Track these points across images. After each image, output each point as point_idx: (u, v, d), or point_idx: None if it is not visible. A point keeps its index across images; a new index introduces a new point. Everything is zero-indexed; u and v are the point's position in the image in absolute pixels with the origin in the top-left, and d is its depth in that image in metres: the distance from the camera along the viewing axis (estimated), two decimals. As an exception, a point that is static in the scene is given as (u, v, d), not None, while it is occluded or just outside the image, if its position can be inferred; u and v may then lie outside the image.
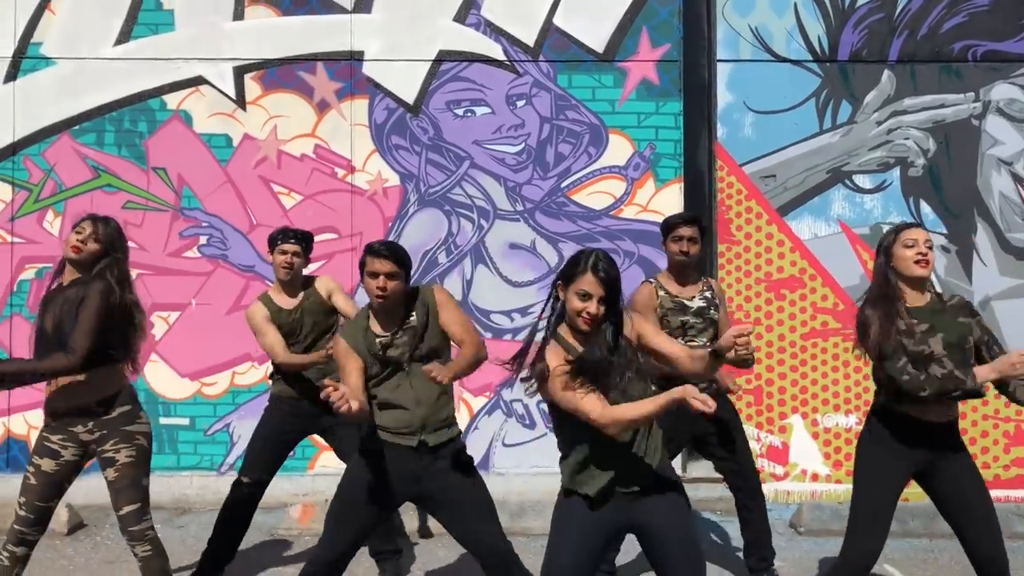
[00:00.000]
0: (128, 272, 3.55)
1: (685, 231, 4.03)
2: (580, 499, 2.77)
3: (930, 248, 3.20)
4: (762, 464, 5.85)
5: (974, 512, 3.15)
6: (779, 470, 5.85)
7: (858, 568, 3.21)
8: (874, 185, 5.94)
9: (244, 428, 5.66)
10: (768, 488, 5.82)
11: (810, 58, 5.93)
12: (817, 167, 5.93)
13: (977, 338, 3.20)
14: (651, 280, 4.16)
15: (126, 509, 3.42)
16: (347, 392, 2.80)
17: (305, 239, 4.24)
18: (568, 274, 2.73)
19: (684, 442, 4.18)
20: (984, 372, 3.06)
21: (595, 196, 5.92)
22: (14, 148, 5.85)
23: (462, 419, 5.84)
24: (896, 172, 5.93)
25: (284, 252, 4.16)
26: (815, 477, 5.83)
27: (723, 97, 5.94)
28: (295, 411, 4.18)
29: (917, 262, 3.17)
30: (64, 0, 5.86)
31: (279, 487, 5.55)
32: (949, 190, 5.91)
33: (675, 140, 5.92)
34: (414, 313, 3.24)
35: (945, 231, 5.91)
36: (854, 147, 5.94)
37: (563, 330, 2.78)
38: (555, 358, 2.69)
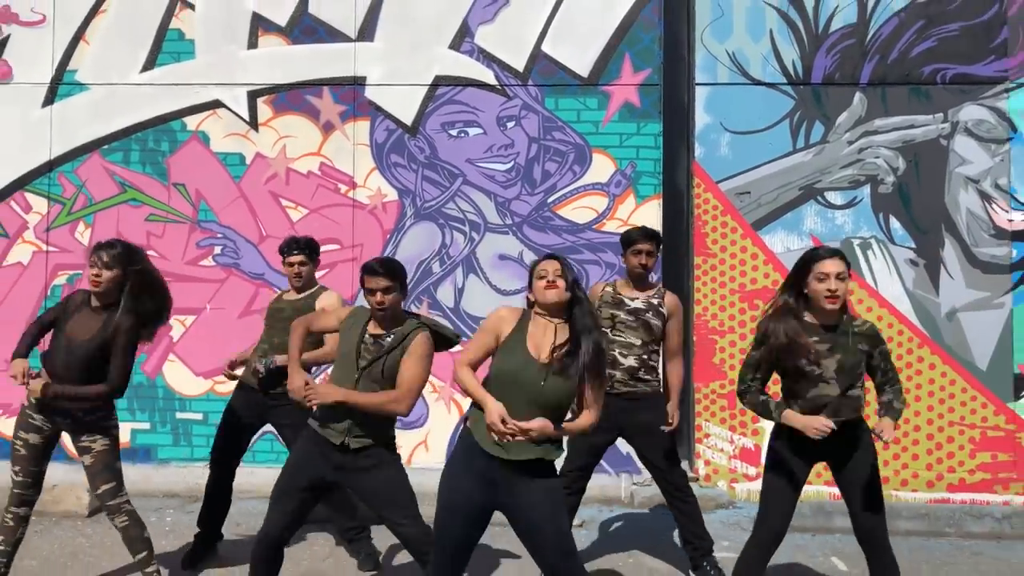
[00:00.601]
0: (149, 281, 3.96)
1: (644, 246, 4.38)
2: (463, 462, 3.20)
3: (842, 280, 3.46)
4: (735, 465, 6.19)
5: (862, 496, 3.56)
6: (751, 471, 6.17)
7: (765, 544, 3.61)
8: (845, 201, 6.25)
9: (252, 423, 6.15)
10: (741, 488, 6.18)
11: (784, 81, 6.28)
12: (790, 184, 6.27)
13: (875, 363, 3.56)
14: (607, 281, 4.65)
15: (103, 488, 3.94)
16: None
17: (308, 246, 4.66)
18: (529, 275, 3.32)
19: (610, 438, 4.39)
20: (791, 419, 3.48)
21: (579, 211, 6.32)
22: (50, 165, 6.46)
23: (452, 418, 6.28)
24: (867, 189, 6.23)
25: (291, 264, 4.60)
26: (785, 478, 6.12)
27: (701, 118, 6.31)
28: (248, 400, 4.57)
29: (827, 298, 3.46)
30: (97, 31, 6.47)
31: (282, 478, 6.07)
32: (918, 206, 6.20)
33: (655, 159, 6.31)
34: (393, 335, 3.52)
35: (914, 245, 6.19)
36: (826, 165, 6.26)
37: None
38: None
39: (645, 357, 4.33)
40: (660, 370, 4.48)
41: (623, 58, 6.31)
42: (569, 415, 3.25)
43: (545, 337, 3.19)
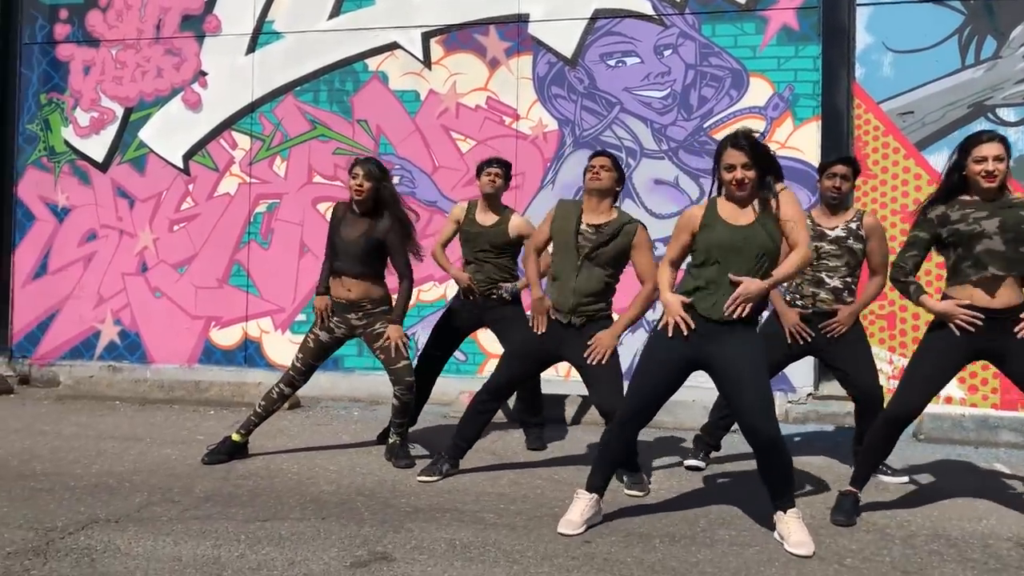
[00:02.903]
0: (396, 196, 4.74)
1: (838, 169, 4.39)
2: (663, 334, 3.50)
3: (1000, 160, 3.54)
4: (894, 385, 6.13)
5: None
6: (911, 392, 6.11)
7: (897, 419, 3.69)
8: (1020, 118, 6.04)
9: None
10: (900, 409, 6.13)
11: (953, -4, 6.13)
12: (958, 102, 6.12)
13: None
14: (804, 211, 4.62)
15: (401, 364, 4.63)
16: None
17: (504, 165, 5.14)
18: (716, 161, 3.51)
19: (799, 354, 4.48)
20: (929, 304, 3.65)
21: (735, 135, 6.44)
22: (252, 107, 7.28)
23: (609, 335, 6.59)
24: (1043, 104, 6.00)
25: (488, 174, 5.08)
26: (948, 400, 6.04)
27: (862, 39, 6.27)
28: (467, 305, 5.11)
29: (984, 177, 3.56)
30: (290, -15, 7.22)
31: (453, 385, 6.61)
32: (1102, 121, 5.91)
33: (813, 81, 6.33)
34: (608, 224, 4.11)
35: (1097, 161, 5.91)
36: (998, 81, 6.07)
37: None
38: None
39: (849, 280, 4.37)
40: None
41: (781, -18, 6.37)
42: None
43: (738, 208, 3.46)
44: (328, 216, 4.96)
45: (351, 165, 4.72)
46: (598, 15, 6.67)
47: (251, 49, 7.29)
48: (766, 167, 3.44)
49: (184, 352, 7.32)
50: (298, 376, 4.71)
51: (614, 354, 4.14)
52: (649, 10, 6.59)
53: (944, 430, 5.54)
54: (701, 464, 4.63)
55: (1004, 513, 3.91)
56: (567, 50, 6.73)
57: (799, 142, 6.33)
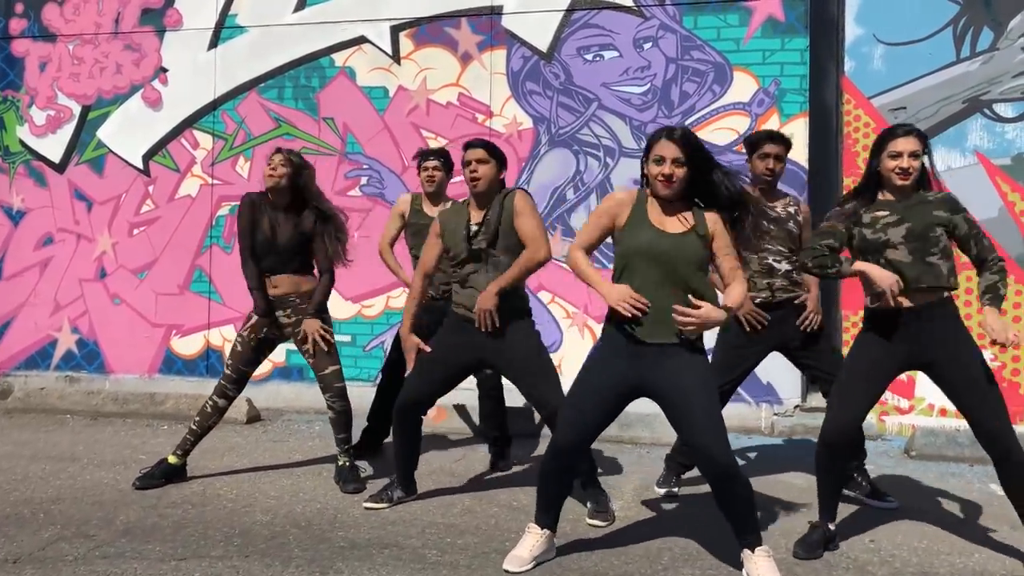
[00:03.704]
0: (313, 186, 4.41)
1: (771, 149, 4.04)
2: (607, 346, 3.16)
3: (915, 158, 3.29)
4: (886, 397, 5.82)
5: (981, 393, 3.21)
6: (903, 403, 5.80)
7: (832, 439, 3.35)
8: (1018, 113, 5.70)
9: (394, 345, 6.41)
10: (891, 421, 5.84)
11: (948, -15, 5.78)
12: (953, 97, 5.78)
13: (963, 233, 3.31)
14: None
15: (329, 369, 4.33)
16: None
17: (443, 155, 4.85)
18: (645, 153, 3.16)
19: (764, 352, 4.14)
20: (863, 266, 3.28)
21: (719, 132, 6.11)
22: (214, 104, 6.95)
23: (586, 343, 6.28)
24: (1043, 99, 5.66)
25: (426, 168, 4.79)
26: (943, 412, 5.71)
27: (852, 31, 5.93)
28: (428, 308, 4.76)
29: (898, 174, 3.30)
30: (254, -24, 6.87)
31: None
32: (1106, 116, 5.56)
33: (800, 76, 5.99)
34: (490, 209, 3.78)
35: (1101, 160, 5.57)
36: (995, 75, 5.72)
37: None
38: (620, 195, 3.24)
39: (795, 261, 4.06)
40: None
41: (767, -29, 6.02)
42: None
43: (665, 213, 3.12)
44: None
45: (271, 152, 4.41)
46: (575, 7, 6.33)
47: (213, 44, 6.96)
48: (702, 168, 3.09)
49: (144, 361, 7.00)
50: (230, 385, 4.36)
51: (543, 349, 3.81)
52: (628, 1, 6.25)
53: (937, 446, 5.21)
54: (673, 491, 4.29)
55: (997, 545, 3.57)
56: (542, 44, 6.40)
57: (785, 140, 5.98)
